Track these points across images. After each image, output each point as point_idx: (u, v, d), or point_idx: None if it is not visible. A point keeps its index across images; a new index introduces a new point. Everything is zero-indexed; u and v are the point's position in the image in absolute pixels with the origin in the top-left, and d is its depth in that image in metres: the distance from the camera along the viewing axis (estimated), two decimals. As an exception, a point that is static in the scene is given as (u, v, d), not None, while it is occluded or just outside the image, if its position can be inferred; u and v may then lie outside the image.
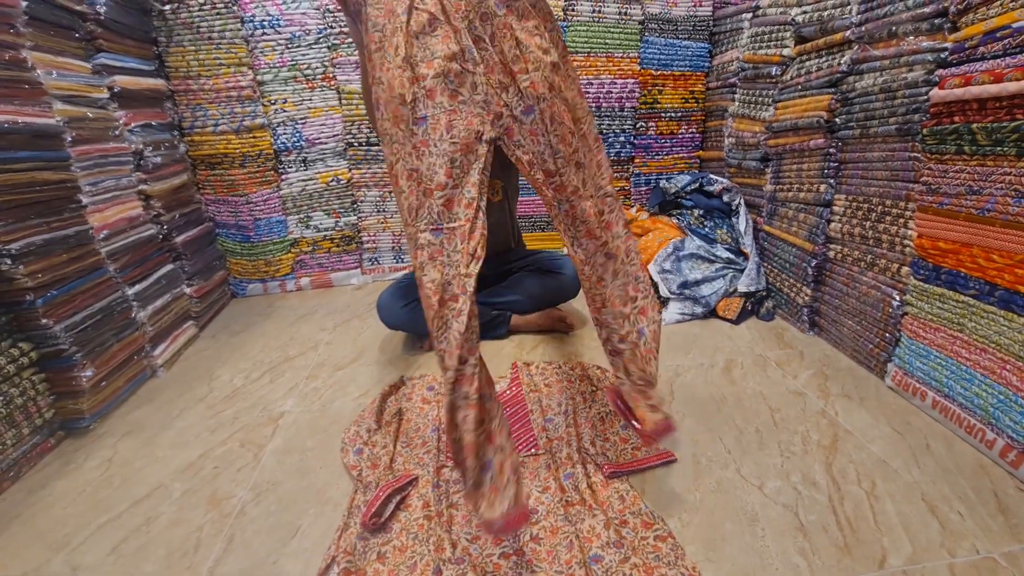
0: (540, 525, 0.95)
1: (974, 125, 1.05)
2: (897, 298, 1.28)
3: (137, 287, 1.58)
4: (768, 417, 1.23)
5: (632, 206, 2.31)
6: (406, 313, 1.59)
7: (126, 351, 1.49)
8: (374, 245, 2.32)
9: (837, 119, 1.44)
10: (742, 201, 1.90)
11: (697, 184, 2.01)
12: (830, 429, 1.18)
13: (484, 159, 0.88)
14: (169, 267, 1.77)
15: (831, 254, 1.51)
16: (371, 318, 1.92)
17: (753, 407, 1.27)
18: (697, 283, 1.77)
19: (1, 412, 1.17)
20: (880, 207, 1.32)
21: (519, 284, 1.71)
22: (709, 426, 1.21)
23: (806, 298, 1.59)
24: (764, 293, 1.76)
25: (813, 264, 1.54)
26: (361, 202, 2.26)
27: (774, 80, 1.71)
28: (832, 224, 1.49)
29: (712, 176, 2.02)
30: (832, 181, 1.48)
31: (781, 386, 1.35)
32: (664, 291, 1.79)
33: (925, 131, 1.16)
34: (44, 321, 1.25)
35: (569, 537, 0.91)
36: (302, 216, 2.23)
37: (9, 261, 1.18)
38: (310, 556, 0.92)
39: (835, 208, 1.48)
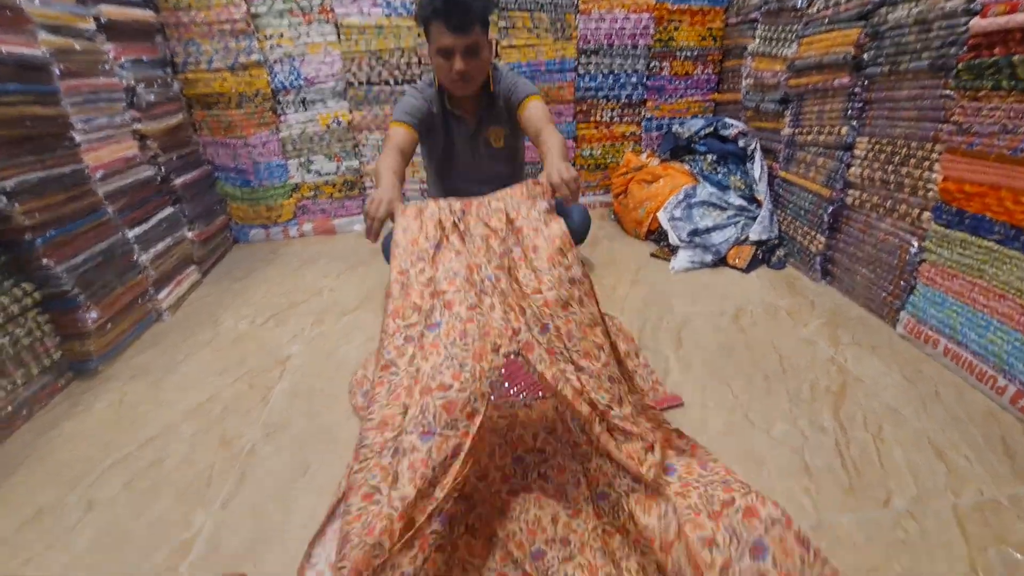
0: (548, 464, 0.96)
1: (1015, 57, 0.98)
2: (916, 245, 1.24)
3: (137, 230, 1.56)
4: (777, 364, 1.22)
5: (643, 152, 2.24)
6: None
7: (130, 294, 1.48)
8: (377, 191, 2.26)
9: (865, 55, 1.35)
10: (758, 146, 1.83)
11: (711, 128, 1.94)
12: (839, 376, 1.17)
13: (498, 372, 0.83)
14: (169, 210, 1.74)
15: (849, 200, 1.46)
16: (376, 264, 1.90)
17: (762, 354, 1.26)
18: (708, 231, 1.73)
19: (9, 352, 1.17)
20: (905, 149, 1.27)
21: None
22: (717, 373, 1.20)
23: (820, 246, 1.55)
24: (776, 241, 1.72)
25: (829, 211, 1.50)
26: (363, 145, 2.19)
27: (799, 13, 1.61)
28: (852, 168, 1.43)
29: (727, 120, 1.94)
30: (855, 123, 1.41)
31: (791, 334, 1.34)
32: (674, 239, 1.75)
33: (960, 66, 1.09)
34: (45, 262, 1.23)
35: (577, 475, 0.92)
36: (303, 160, 2.17)
37: (4, 199, 1.14)
38: (321, 493, 0.94)
39: (856, 151, 1.42)
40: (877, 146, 1.35)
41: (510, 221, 1.00)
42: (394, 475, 0.74)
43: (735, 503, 0.72)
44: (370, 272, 1.85)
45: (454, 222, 1.01)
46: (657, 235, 1.88)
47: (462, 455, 0.75)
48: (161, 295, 1.63)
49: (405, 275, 0.92)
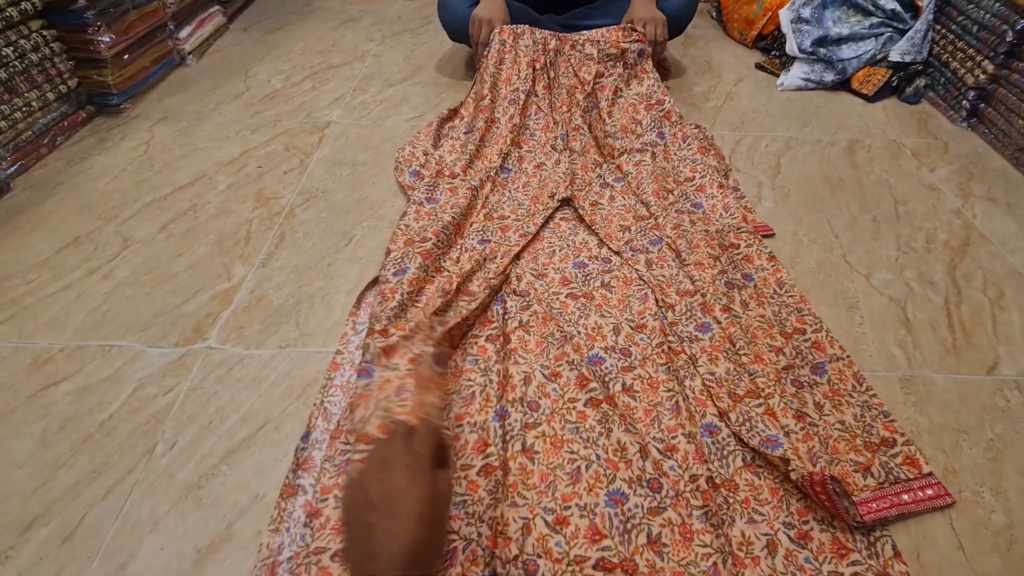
0: (612, 274, 0.86)
1: None
2: None
3: (146, -60, 1.28)
4: (890, 208, 1.04)
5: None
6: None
7: (145, 23, 1.27)
8: (432, -60, 1.84)
9: None
10: (943, -73, 1.37)
11: None
12: (963, 231, 1.00)
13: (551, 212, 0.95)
14: (183, -77, 1.43)
15: (1052, 14, 1.10)
16: (426, 34, 1.62)
17: (874, 195, 1.07)
18: (839, 41, 1.39)
19: (16, 66, 1.03)
20: None
21: (612, 6, 1.35)
22: (818, 207, 1.03)
23: (980, 77, 1.23)
24: (919, 67, 1.39)
25: (1019, 27, 1.15)
26: None
27: None
28: (1081, -34, 1.05)
29: None
30: None
31: (913, 178, 1.12)
32: (791, 47, 1.42)
33: None
34: (38, -45, 1.02)
35: (644, 289, 0.83)
36: None
37: None
38: (366, 265, 0.87)
39: (1100, -61, 1.03)
40: None
41: (598, 75, 1.13)
42: (456, 258, 0.84)
43: (806, 334, 0.77)
44: (419, 43, 1.58)
45: (545, 64, 1.16)
46: (769, 41, 1.53)
47: (514, 255, 0.85)
48: (183, 34, 1.42)
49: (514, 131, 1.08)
